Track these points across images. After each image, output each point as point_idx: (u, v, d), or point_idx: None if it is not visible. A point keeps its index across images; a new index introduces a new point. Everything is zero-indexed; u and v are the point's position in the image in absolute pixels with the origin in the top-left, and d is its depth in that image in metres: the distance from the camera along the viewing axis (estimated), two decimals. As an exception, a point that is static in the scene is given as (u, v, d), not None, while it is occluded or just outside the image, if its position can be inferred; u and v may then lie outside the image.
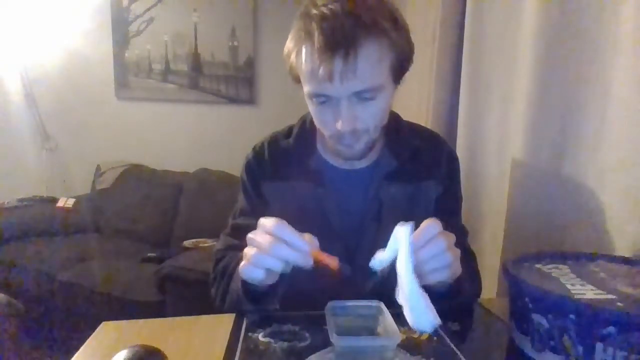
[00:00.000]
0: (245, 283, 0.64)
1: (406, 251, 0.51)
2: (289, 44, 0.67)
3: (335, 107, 0.65)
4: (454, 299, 0.65)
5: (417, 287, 0.50)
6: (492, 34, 1.19)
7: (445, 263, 0.55)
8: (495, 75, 1.18)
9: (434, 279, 0.55)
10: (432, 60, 1.48)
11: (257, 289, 0.64)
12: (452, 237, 0.57)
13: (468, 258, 0.81)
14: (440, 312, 0.49)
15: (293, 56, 0.67)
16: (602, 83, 0.82)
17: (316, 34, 0.60)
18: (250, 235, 0.58)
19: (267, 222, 0.56)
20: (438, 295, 0.64)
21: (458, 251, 0.58)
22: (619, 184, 0.78)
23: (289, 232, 0.55)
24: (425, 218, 0.78)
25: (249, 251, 0.57)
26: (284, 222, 0.55)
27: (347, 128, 0.64)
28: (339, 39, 0.59)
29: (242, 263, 0.59)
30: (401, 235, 0.52)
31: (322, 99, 0.65)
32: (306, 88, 0.66)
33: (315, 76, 0.62)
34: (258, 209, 0.78)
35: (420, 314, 0.50)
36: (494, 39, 1.18)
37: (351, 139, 0.68)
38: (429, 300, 0.50)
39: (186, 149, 2.71)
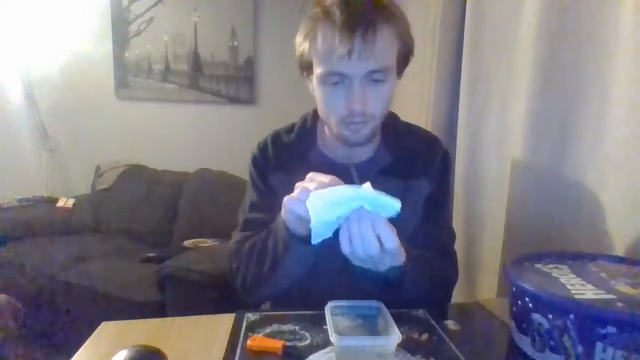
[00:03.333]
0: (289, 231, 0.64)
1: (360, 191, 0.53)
2: (302, 32, 0.70)
3: (348, 88, 0.67)
4: (393, 288, 0.66)
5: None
6: (492, 34, 1.19)
7: (356, 247, 0.54)
8: (495, 75, 1.18)
9: (340, 238, 0.55)
10: (432, 60, 1.48)
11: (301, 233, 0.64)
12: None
13: (443, 260, 0.81)
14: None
15: (306, 43, 0.69)
16: (602, 83, 0.82)
17: (337, 13, 0.64)
18: (299, 183, 0.60)
19: (320, 175, 0.58)
20: (374, 279, 0.65)
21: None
22: (619, 184, 0.78)
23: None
24: (415, 215, 0.79)
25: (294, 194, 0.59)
26: (337, 178, 0.58)
27: (359, 107, 0.67)
28: (359, 18, 0.63)
29: (286, 201, 0.60)
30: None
31: (336, 78, 0.67)
32: (319, 69, 0.68)
33: (333, 54, 0.64)
34: (268, 201, 0.80)
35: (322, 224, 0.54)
36: (494, 39, 1.18)
37: (359, 123, 0.69)
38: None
39: (186, 149, 2.71)
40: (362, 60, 0.64)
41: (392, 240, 0.54)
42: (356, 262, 0.58)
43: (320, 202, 0.54)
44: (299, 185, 0.60)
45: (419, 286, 0.72)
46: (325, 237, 0.56)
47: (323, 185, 0.56)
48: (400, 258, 0.59)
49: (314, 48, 0.68)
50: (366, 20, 0.63)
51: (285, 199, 0.60)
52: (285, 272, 0.70)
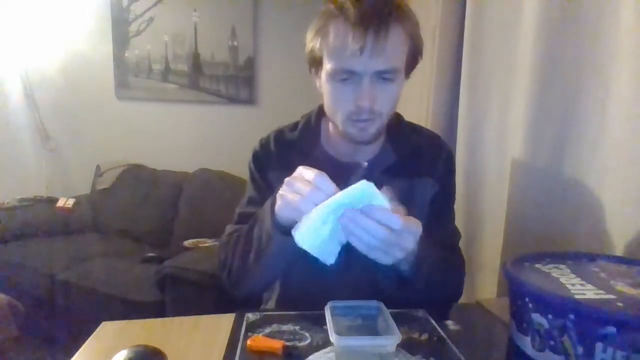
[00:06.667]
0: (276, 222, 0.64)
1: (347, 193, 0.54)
2: (313, 28, 0.70)
3: (357, 85, 0.67)
4: (406, 283, 0.67)
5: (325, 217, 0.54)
6: (492, 34, 1.19)
7: (369, 243, 0.54)
8: (495, 75, 1.18)
9: (351, 241, 0.56)
10: (432, 60, 1.48)
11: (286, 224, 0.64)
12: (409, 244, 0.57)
13: (451, 261, 0.81)
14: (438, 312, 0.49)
15: (317, 39, 0.69)
16: (602, 83, 0.82)
17: (351, 9, 0.64)
18: (288, 179, 0.60)
19: (307, 172, 0.58)
20: (389, 273, 0.66)
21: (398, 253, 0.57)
22: (619, 184, 0.78)
23: (328, 184, 0.56)
24: (420, 214, 0.79)
25: (287, 194, 0.59)
26: (325, 174, 0.57)
27: (367, 104, 0.67)
28: (372, 16, 0.63)
29: (279, 204, 0.61)
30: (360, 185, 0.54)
31: (345, 75, 0.67)
32: (330, 65, 0.68)
33: (344, 51, 0.65)
34: (266, 197, 0.79)
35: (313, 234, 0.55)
36: (494, 39, 1.18)
37: (366, 120, 0.70)
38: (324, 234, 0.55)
39: (186, 149, 2.71)
40: (373, 58, 0.64)
41: (390, 217, 0.54)
42: (384, 259, 0.57)
43: (308, 235, 0.55)
44: (290, 183, 0.59)
45: (435, 280, 0.71)
46: (336, 252, 0.57)
47: (309, 194, 0.56)
48: (417, 224, 0.58)
49: (325, 44, 0.68)
50: (379, 19, 0.63)
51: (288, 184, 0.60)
52: (268, 264, 0.70)
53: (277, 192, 0.65)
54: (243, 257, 0.72)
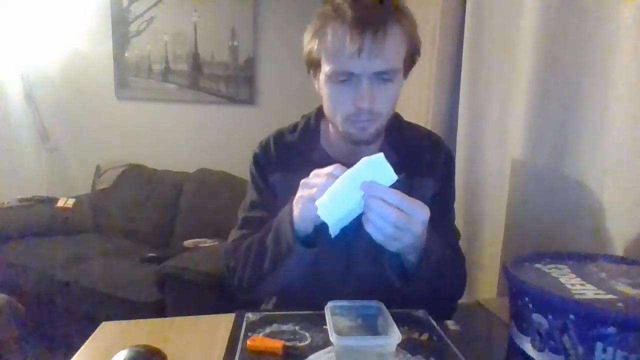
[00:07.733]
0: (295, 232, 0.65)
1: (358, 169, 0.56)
2: (310, 30, 0.70)
3: (355, 87, 0.67)
4: (413, 278, 0.67)
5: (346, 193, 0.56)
6: (492, 34, 1.19)
7: (382, 227, 0.56)
8: (495, 75, 1.18)
9: (368, 230, 0.58)
10: (432, 61, 1.48)
11: (305, 233, 0.66)
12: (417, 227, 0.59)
13: (454, 259, 0.81)
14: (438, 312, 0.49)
15: (315, 41, 0.69)
16: (602, 83, 0.82)
17: (348, 11, 0.64)
18: (304, 181, 0.62)
19: (323, 169, 0.60)
20: (395, 267, 0.68)
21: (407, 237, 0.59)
22: (619, 184, 0.78)
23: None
24: None
25: (304, 194, 0.61)
26: (342, 165, 0.59)
27: (367, 105, 0.67)
28: (370, 17, 0.63)
29: (296, 211, 0.62)
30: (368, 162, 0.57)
31: (344, 77, 0.67)
32: (328, 67, 0.68)
33: (342, 52, 0.64)
34: (268, 200, 0.80)
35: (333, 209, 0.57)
36: (494, 39, 1.18)
37: (366, 121, 0.70)
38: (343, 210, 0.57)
39: (186, 149, 2.71)
40: (371, 59, 0.64)
41: (393, 196, 0.56)
42: (394, 244, 0.59)
43: (329, 207, 0.57)
44: (305, 182, 0.61)
45: (440, 275, 0.71)
46: (343, 226, 0.59)
47: (325, 183, 0.58)
48: (425, 208, 0.59)
49: (323, 46, 0.68)
50: (377, 19, 0.63)
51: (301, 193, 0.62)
52: (286, 272, 0.70)
53: (291, 200, 0.65)
54: (257, 266, 0.72)
